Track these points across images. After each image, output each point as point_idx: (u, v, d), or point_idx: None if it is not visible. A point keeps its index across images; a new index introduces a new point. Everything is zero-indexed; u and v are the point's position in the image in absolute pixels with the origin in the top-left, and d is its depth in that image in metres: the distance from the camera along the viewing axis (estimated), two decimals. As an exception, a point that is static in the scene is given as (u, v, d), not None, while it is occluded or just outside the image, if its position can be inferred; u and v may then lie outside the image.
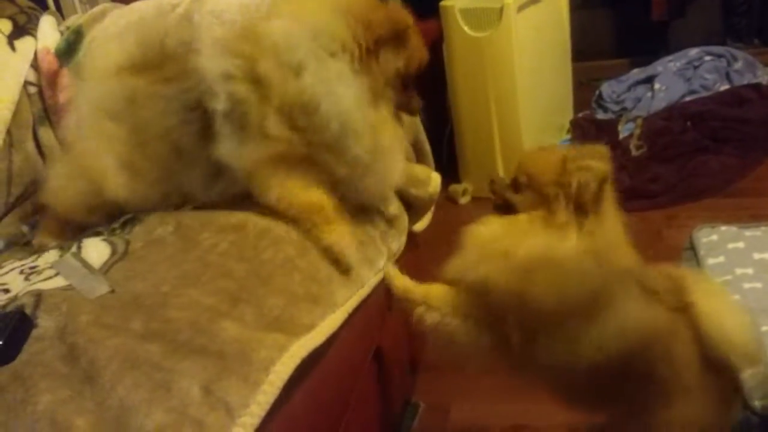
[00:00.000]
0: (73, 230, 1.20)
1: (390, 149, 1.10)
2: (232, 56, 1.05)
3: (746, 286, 1.52)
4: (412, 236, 1.37)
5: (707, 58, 2.92)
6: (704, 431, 1.04)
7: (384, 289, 1.12)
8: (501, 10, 2.17)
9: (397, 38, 1.08)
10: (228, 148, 1.06)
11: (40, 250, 1.18)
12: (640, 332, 0.99)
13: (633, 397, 1.03)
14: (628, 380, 1.01)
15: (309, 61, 1.02)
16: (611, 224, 1.00)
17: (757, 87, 2.73)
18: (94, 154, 1.16)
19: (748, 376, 1.26)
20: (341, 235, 1.06)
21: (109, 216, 1.16)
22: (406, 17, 1.12)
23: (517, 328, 0.98)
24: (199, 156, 1.09)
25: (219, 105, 1.04)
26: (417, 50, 1.14)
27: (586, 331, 0.97)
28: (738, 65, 2.87)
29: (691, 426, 1.02)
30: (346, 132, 1.03)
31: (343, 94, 1.02)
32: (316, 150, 1.04)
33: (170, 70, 1.13)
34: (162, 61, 1.18)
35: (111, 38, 1.39)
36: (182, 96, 1.09)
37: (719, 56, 2.92)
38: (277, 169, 1.06)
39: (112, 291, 0.91)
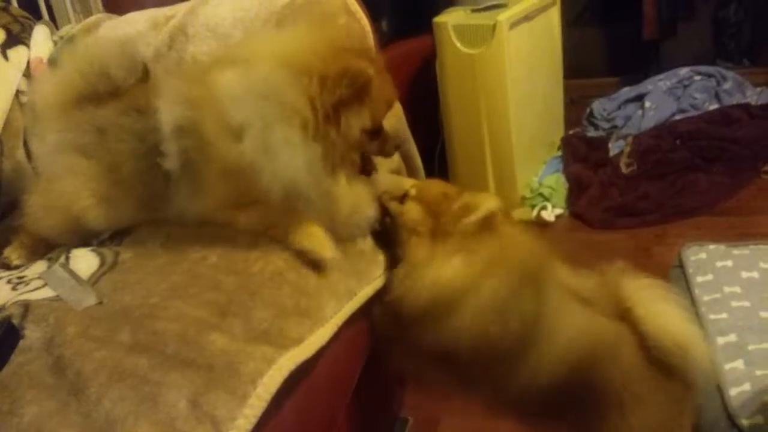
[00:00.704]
0: (46, 249, 1.16)
1: (350, 215, 1.07)
2: (184, 105, 1.01)
3: (734, 304, 1.53)
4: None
5: (697, 77, 2.95)
6: None
7: (374, 301, 1.12)
8: (494, 27, 2.19)
9: (359, 95, 1.00)
10: (182, 202, 1.04)
11: (2, 266, 1.15)
12: (582, 346, 1.01)
13: (586, 408, 1.04)
14: (579, 393, 1.03)
15: (252, 124, 0.96)
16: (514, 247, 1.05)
17: (746, 107, 2.76)
18: (71, 194, 1.11)
19: (734, 394, 1.27)
20: (312, 234, 1.03)
21: (94, 237, 1.14)
22: (367, 66, 1.01)
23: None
24: (170, 197, 1.07)
25: (170, 164, 1.02)
26: (385, 95, 1.06)
27: (523, 360, 1.00)
28: (727, 85, 2.90)
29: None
30: (294, 201, 0.99)
31: (288, 163, 0.95)
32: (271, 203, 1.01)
33: (139, 102, 1.10)
34: (116, 93, 1.15)
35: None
36: (150, 136, 1.05)
37: (709, 76, 2.95)
38: (233, 213, 1.05)
39: (101, 302, 0.91)
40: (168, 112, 1.02)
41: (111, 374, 0.77)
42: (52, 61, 1.47)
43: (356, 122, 1.01)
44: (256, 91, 0.97)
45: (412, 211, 1.09)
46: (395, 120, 1.26)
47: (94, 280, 0.97)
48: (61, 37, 1.52)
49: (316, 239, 1.03)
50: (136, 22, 1.43)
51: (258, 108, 0.96)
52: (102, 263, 1.02)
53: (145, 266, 0.99)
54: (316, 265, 1.02)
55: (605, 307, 1.05)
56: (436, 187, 1.16)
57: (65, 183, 1.12)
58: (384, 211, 1.13)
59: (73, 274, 0.98)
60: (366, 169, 1.12)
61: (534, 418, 1.13)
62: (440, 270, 1.02)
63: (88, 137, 1.11)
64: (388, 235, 1.15)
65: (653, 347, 1.01)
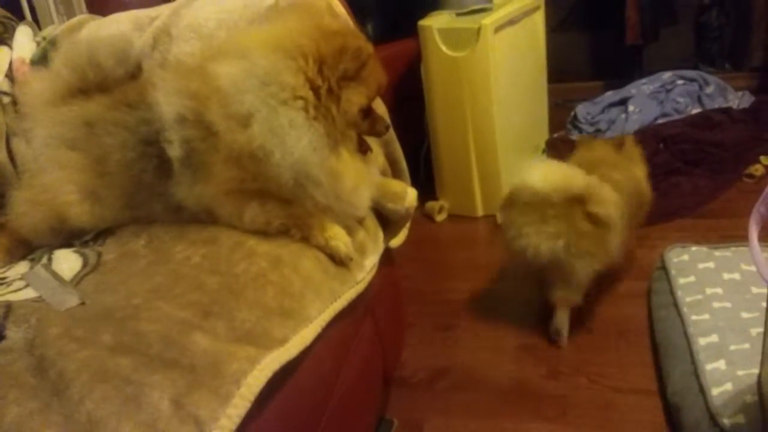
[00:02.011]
0: (24, 250, 1.17)
1: (353, 190, 1.10)
2: (185, 96, 1.04)
3: (716, 305, 1.54)
4: (388, 252, 1.37)
5: (680, 81, 2.98)
6: None
7: (358, 303, 1.12)
8: (479, 30, 2.20)
9: (359, 72, 1.05)
10: (184, 190, 1.06)
11: None
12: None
13: None
14: None
15: (258, 110, 1.00)
16: None
17: (727, 111, 2.79)
18: (56, 187, 1.12)
19: (716, 394, 1.28)
20: (337, 231, 1.09)
21: (76, 237, 1.14)
22: (366, 43, 1.07)
23: None
24: (159, 191, 1.08)
25: (174, 152, 1.04)
26: (377, 77, 1.10)
27: None
28: (710, 89, 2.93)
29: None
30: (302, 181, 1.03)
31: (296, 144, 1.00)
32: (274, 189, 1.04)
33: (129, 96, 1.12)
34: (104, 84, 1.16)
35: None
36: (141, 127, 1.07)
37: (691, 80, 2.98)
38: (238, 198, 1.06)
39: (83, 303, 0.91)
40: (168, 104, 1.04)
41: (93, 375, 0.77)
42: (35, 62, 1.46)
43: (355, 99, 1.05)
44: (257, 79, 1.01)
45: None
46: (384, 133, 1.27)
47: (77, 281, 0.97)
48: (44, 38, 1.51)
49: (341, 240, 1.09)
50: (119, 22, 1.42)
51: (261, 95, 1.00)
52: (84, 264, 1.02)
53: (128, 267, 0.99)
54: (341, 262, 1.09)
55: None
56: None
57: (50, 176, 1.12)
58: None
59: (55, 275, 0.97)
60: (361, 149, 1.14)
61: None
62: None
63: (77, 131, 1.12)
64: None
65: None
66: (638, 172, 1.92)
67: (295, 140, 1.00)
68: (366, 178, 1.14)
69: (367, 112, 1.11)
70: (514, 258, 1.68)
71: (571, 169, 1.65)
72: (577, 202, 1.56)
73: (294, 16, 1.13)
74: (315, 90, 1.02)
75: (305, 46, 1.02)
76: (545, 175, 1.60)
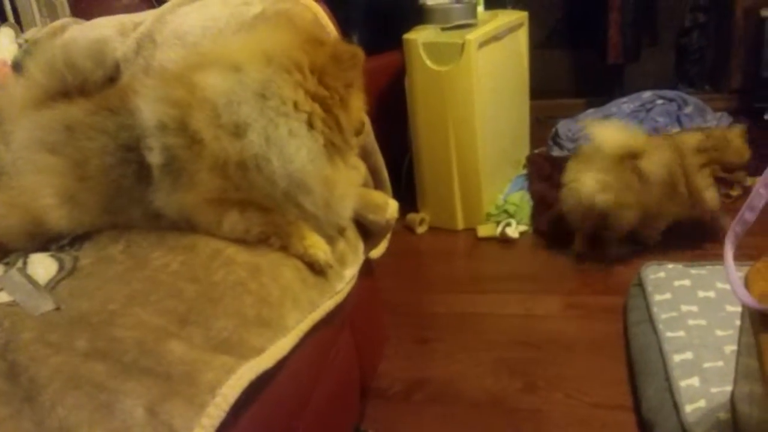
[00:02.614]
0: (1, 253, 1.13)
1: (341, 199, 1.11)
2: (166, 104, 1.03)
3: (691, 322, 1.56)
4: (368, 263, 1.37)
5: (659, 101, 3.02)
6: None
7: (336, 313, 1.12)
8: (463, 45, 2.22)
9: (359, 76, 1.06)
10: (163, 197, 1.05)
11: None
12: None
13: None
14: None
15: (255, 120, 1.00)
16: None
17: (705, 131, 2.83)
18: (34, 190, 1.11)
19: (689, 411, 1.29)
20: (316, 240, 1.09)
21: (53, 241, 1.13)
22: (358, 48, 1.08)
23: None
24: (138, 197, 1.07)
25: (154, 159, 1.03)
26: (363, 80, 1.12)
27: None
28: (688, 109, 2.97)
29: None
30: (294, 190, 1.03)
31: (296, 153, 1.01)
32: (256, 199, 1.04)
33: (111, 101, 1.11)
34: (85, 88, 1.16)
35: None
36: (122, 133, 1.07)
37: (671, 100, 3.02)
38: (217, 207, 1.06)
39: (58, 308, 0.89)
40: (149, 111, 1.03)
41: (66, 381, 0.76)
42: (17, 65, 1.45)
43: (359, 105, 1.08)
44: (251, 92, 1.01)
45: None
46: (364, 134, 1.27)
47: (52, 286, 0.96)
48: (27, 41, 1.50)
49: (319, 248, 1.09)
50: (103, 27, 1.42)
51: (257, 107, 1.00)
52: (60, 268, 1.00)
53: (105, 272, 0.98)
54: (319, 271, 1.09)
55: None
56: None
57: (28, 179, 1.11)
58: None
59: (30, 279, 0.96)
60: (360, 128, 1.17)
61: None
62: None
63: (57, 135, 1.10)
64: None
65: None
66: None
67: (294, 149, 1.01)
68: (353, 187, 1.16)
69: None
70: (567, 203, 2.06)
71: (634, 130, 2.07)
72: (630, 157, 1.91)
73: (280, 27, 1.13)
74: (321, 102, 1.03)
75: (298, 59, 1.03)
76: (611, 133, 1.98)
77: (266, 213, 1.07)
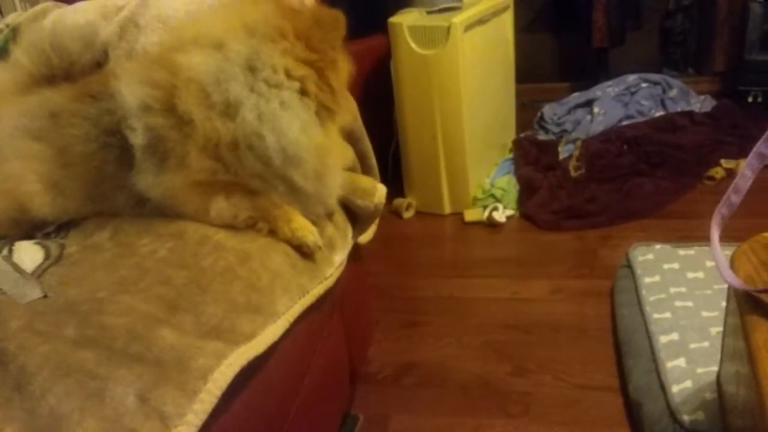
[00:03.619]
0: None
1: (333, 167, 1.10)
2: (148, 86, 1.02)
3: (678, 304, 1.58)
4: (356, 248, 1.37)
5: (644, 84, 3.03)
6: None
7: (326, 299, 1.12)
8: (448, 29, 2.21)
9: (342, 37, 1.06)
10: (147, 180, 1.03)
11: None
12: None
13: None
14: None
15: (245, 97, 0.99)
16: None
17: (690, 114, 2.85)
18: (17, 176, 1.09)
19: (676, 391, 1.31)
20: (303, 223, 1.08)
21: (38, 228, 1.11)
22: (336, 10, 1.08)
23: None
24: (121, 182, 1.06)
25: (136, 139, 1.01)
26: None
27: None
28: (673, 93, 2.99)
29: None
30: (289, 163, 1.02)
31: (288, 127, 1.00)
32: (245, 180, 1.04)
33: (92, 87, 1.10)
34: (71, 72, 1.14)
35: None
36: (104, 118, 1.05)
37: (655, 83, 3.04)
38: (204, 192, 1.05)
39: (45, 296, 0.88)
40: (131, 93, 1.02)
41: (56, 369, 0.75)
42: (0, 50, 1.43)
43: (347, 67, 1.07)
44: (239, 66, 1.00)
45: None
46: (351, 118, 1.26)
47: (39, 273, 0.95)
48: (7, 25, 1.47)
49: (307, 229, 1.08)
50: (85, 11, 1.39)
51: (247, 82, 0.99)
52: (47, 256, 0.99)
53: (92, 260, 0.97)
54: (307, 254, 1.09)
55: None
56: None
57: (12, 165, 1.09)
58: None
59: (16, 267, 0.95)
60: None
61: None
62: None
63: (42, 122, 1.09)
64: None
65: None
66: None
67: (287, 123, 1.00)
68: (343, 154, 1.15)
69: None
70: None
71: None
72: None
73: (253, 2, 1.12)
74: (312, 65, 1.02)
75: (281, 26, 1.02)
76: None
77: (253, 197, 1.06)
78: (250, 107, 0.99)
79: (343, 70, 1.07)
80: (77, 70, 1.16)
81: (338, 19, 1.06)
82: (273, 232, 1.07)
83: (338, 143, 1.11)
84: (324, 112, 1.05)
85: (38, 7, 1.48)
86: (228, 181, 1.03)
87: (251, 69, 1.00)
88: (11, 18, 1.51)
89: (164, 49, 1.09)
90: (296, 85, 1.01)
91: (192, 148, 1.00)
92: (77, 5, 1.44)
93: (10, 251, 1.02)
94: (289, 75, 1.01)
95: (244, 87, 0.99)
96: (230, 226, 1.05)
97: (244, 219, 1.06)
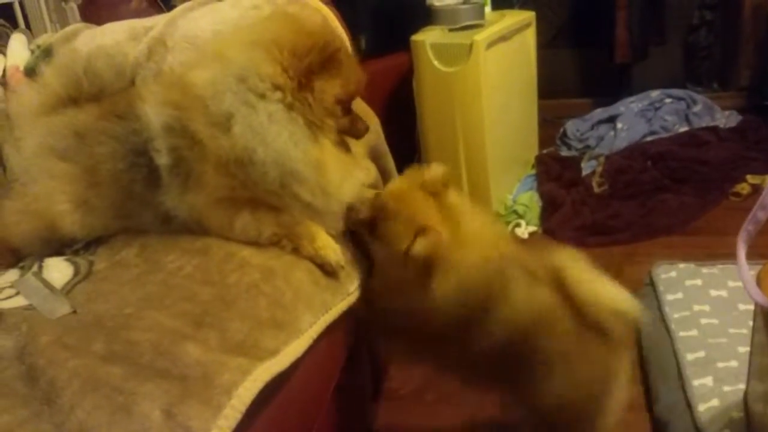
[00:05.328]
0: (13, 259, 1.16)
1: (341, 182, 1.10)
2: (169, 107, 1.05)
3: (703, 321, 1.56)
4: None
5: (668, 100, 3.01)
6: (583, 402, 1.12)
7: (348, 315, 1.12)
8: (471, 46, 2.22)
9: (328, 64, 1.06)
10: (174, 200, 1.06)
11: None
12: (530, 312, 1.09)
13: (521, 372, 1.11)
14: (518, 357, 1.10)
15: (237, 109, 1.01)
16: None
17: (714, 129, 2.82)
18: (47, 197, 1.12)
19: (702, 410, 1.29)
20: (327, 241, 1.09)
21: (67, 246, 1.14)
22: (334, 40, 1.10)
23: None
24: (149, 200, 1.08)
25: (162, 160, 1.05)
26: (352, 72, 1.11)
27: (479, 327, 1.09)
28: (697, 108, 2.96)
29: (570, 393, 1.10)
30: (287, 178, 1.03)
31: (277, 137, 1.01)
32: (262, 196, 1.05)
33: (118, 107, 1.12)
34: (98, 96, 1.17)
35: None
36: (131, 138, 1.08)
37: (679, 99, 3.02)
38: (228, 208, 1.06)
39: (74, 312, 0.90)
40: (155, 114, 1.05)
41: (84, 384, 0.76)
42: (29, 70, 1.46)
43: (329, 89, 1.06)
44: (233, 77, 1.02)
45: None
46: (374, 135, 1.27)
47: (68, 290, 0.97)
48: (38, 46, 1.51)
49: (330, 248, 1.09)
50: (114, 32, 1.43)
51: (239, 93, 1.01)
52: (76, 272, 1.01)
53: (120, 276, 0.99)
54: (330, 273, 1.09)
55: (543, 276, 1.12)
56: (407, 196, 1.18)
57: (41, 186, 1.12)
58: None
59: (46, 283, 0.97)
60: (355, 131, 1.15)
61: (476, 381, 1.23)
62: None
63: (67, 141, 1.11)
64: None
65: (585, 309, 1.07)
66: None
67: (275, 135, 1.01)
68: (351, 172, 1.14)
69: (347, 109, 1.12)
70: None
71: None
72: None
73: (275, 20, 1.14)
74: (292, 78, 1.03)
75: (280, 39, 1.04)
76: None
77: (277, 214, 1.07)
78: (240, 120, 1.00)
79: (323, 92, 1.06)
80: (105, 95, 1.18)
81: (327, 44, 1.06)
82: (296, 250, 1.08)
83: (338, 156, 1.11)
84: (314, 126, 1.05)
85: (69, 28, 1.52)
86: (249, 197, 1.05)
87: (242, 79, 1.02)
88: (42, 39, 1.55)
89: (184, 69, 1.12)
90: (278, 95, 1.02)
91: (208, 167, 1.02)
92: (107, 26, 1.47)
93: (40, 267, 1.04)
94: (272, 82, 1.02)
95: (235, 98, 1.01)
96: (255, 243, 1.06)
97: (268, 236, 1.07)
